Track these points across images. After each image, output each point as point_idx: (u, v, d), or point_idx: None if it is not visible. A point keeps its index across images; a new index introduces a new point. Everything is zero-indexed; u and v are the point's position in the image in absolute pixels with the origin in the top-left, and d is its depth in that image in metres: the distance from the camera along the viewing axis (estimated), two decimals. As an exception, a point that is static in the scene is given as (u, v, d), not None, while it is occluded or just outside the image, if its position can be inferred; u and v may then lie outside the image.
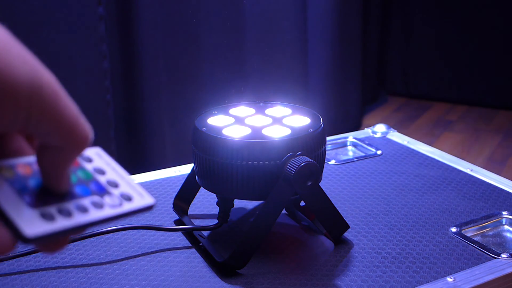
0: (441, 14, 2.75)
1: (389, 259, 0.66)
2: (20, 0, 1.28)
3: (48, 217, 0.28)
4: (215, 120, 0.68)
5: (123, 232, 0.72)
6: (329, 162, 0.93)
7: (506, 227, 0.75)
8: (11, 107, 0.27)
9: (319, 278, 0.63)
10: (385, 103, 2.86)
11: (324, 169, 0.69)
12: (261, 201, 0.72)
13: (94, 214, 0.30)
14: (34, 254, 0.67)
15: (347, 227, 0.69)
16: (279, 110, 0.72)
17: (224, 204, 0.68)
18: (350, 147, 1.02)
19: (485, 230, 0.74)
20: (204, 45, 1.74)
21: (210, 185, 0.66)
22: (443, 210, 0.78)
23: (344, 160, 0.95)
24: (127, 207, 0.31)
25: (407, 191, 0.84)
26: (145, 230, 0.73)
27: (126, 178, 0.33)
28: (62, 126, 0.28)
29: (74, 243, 0.70)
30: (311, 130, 0.65)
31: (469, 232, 0.73)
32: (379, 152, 0.98)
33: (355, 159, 0.95)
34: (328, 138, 0.90)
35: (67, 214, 0.29)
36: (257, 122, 0.68)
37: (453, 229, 0.72)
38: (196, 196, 0.76)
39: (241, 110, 0.72)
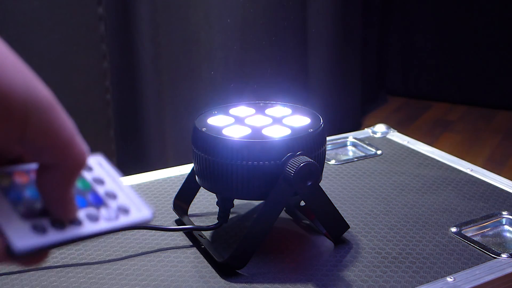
0: (441, 14, 2.75)
1: (389, 259, 0.66)
2: (20, 0, 1.28)
3: (40, 229, 0.28)
4: (215, 120, 0.68)
5: (123, 232, 0.72)
6: (329, 162, 0.93)
7: (506, 227, 0.75)
8: (5, 118, 0.26)
9: (319, 278, 0.63)
10: (385, 103, 2.86)
11: (324, 169, 0.69)
12: (261, 201, 0.72)
13: (88, 228, 0.29)
14: (34, 254, 0.67)
15: (347, 227, 0.69)
16: (279, 110, 0.72)
17: (224, 204, 0.68)
18: (350, 147, 1.02)
19: (485, 230, 0.74)
20: (204, 45, 1.74)
21: (210, 185, 0.66)
22: (443, 210, 0.78)
23: (344, 160, 0.95)
24: (123, 220, 0.31)
25: (407, 191, 0.84)
26: (145, 230, 0.73)
27: (125, 190, 0.32)
28: (57, 142, 0.27)
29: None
30: (311, 130, 0.65)
31: (469, 232, 0.73)
32: (379, 152, 0.98)
33: (355, 159, 0.95)
34: (328, 138, 0.90)
35: (60, 226, 0.29)
36: (257, 122, 0.68)
37: (453, 229, 0.72)
38: (196, 196, 0.76)
39: (241, 110, 0.72)
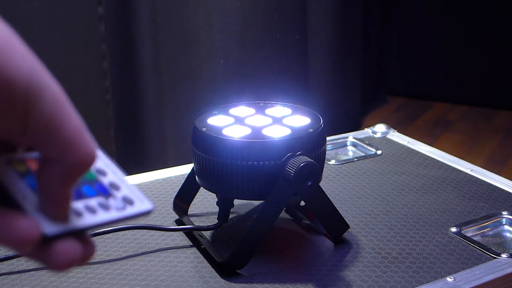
0: (441, 14, 2.75)
1: (389, 259, 0.66)
2: (20, 0, 1.28)
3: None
4: (215, 120, 0.68)
5: (123, 232, 0.72)
6: (329, 162, 0.93)
7: (506, 227, 0.75)
8: (6, 106, 0.25)
9: (319, 278, 0.63)
10: (385, 103, 2.86)
11: (324, 169, 0.69)
12: (261, 201, 0.72)
13: (102, 216, 0.30)
14: (34, 254, 0.67)
15: (347, 227, 0.69)
16: (279, 110, 0.72)
17: (224, 204, 0.68)
18: (350, 147, 1.02)
19: (485, 230, 0.74)
20: (204, 45, 1.74)
21: (210, 185, 0.66)
22: (443, 210, 0.78)
23: (344, 160, 0.95)
24: (130, 211, 0.31)
25: (407, 191, 0.84)
26: (145, 230, 0.73)
27: (125, 182, 0.33)
28: (61, 137, 0.26)
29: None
30: (311, 130, 0.65)
31: (469, 232, 0.73)
32: (379, 152, 0.98)
33: (355, 159, 0.95)
34: (328, 138, 0.90)
35: (78, 214, 0.29)
36: (257, 122, 0.68)
37: (453, 229, 0.72)
38: (196, 196, 0.76)
39: (241, 110, 0.72)
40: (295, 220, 0.76)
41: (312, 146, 0.64)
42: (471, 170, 0.90)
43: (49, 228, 0.27)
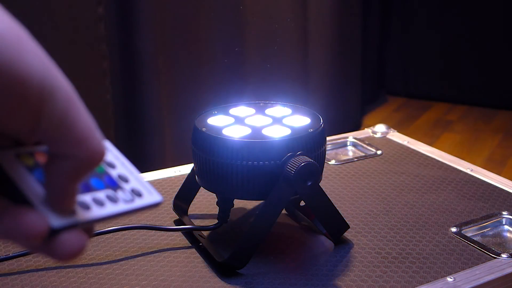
0: (441, 14, 2.75)
1: (389, 259, 0.66)
2: (20, 0, 1.28)
3: (69, 210, 0.28)
4: (215, 120, 0.68)
5: (123, 232, 0.72)
6: (329, 162, 0.93)
7: (506, 227, 0.75)
8: (19, 104, 0.25)
9: (319, 278, 0.63)
10: (385, 103, 2.86)
11: (324, 169, 0.69)
12: (261, 201, 0.72)
13: (110, 208, 0.30)
14: (34, 254, 0.67)
15: (347, 227, 0.69)
16: (279, 110, 0.72)
17: (224, 204, 0.68)
18: (350, 147, 1.02)
19: (485, 230, 0.74)
20: (204, 45, 1.74)
21: (210, 185, 0.66)
22: (443, 210, 0.78)
23: (344, 160, 0.95)
24: (138, 203, 0.31)
25: (407, 191, 0.84)
26: (145, 230, 0.73)
27: (135, 174, 0.33)
28: (73, 134, 0.27)
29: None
30: (311, 130, 0.65)
31: (469, 232, 0.73)
32: (379, 152, 0.98)
33: (355, 159, 0.95)
34: (328, 138, 0.90)
35: (86, 207, 0.29)
36: (257, 122, 0.68)
37: (453, 229, 0.72)
38: (196, 196, 0.76)
39: (241, 110, 0.72)
40: (295, 220, 0.76)
41: (312, 146, 0.64)
42: (471, 170, 0.90)
43: (56, 221, 0.27)
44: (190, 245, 0.70)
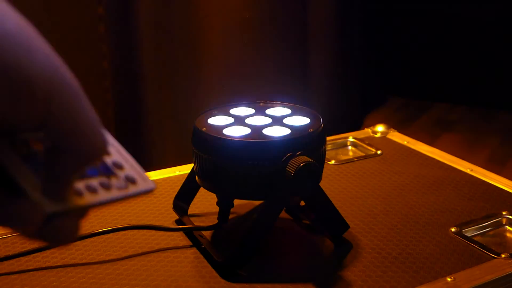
0: (441, 14, 2.75)
1: (389, 259, 0.66)
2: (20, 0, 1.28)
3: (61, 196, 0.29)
4: (215, 120, 0.68)
5: (123, 232, 0.72)
6: (329, 162, 0.93)
7: (506, 227, 0.75)
8: (28, 102, 0.26)
9: (319, 278, 0.63)
10: (385, 103, 2.86)
11: (324, 169, 0.69)
12: (261, 201, 0.72)
13: (103, 195, 0.30)
14: (34, 254, 0.67)
15: (347, 227, 0.69)
16: (279, 110, 0.72)
17: (224, 204, 0.68)
18: (350, 147, 1.02)
19: (485, 230, 0.74)
20: (204, 45, 1.74)
21: (210, 185, 0.66)
22: (443, 210, 0.78)
23: (344, 160, 0.95)
24: (132, 189, 0.32)
25: (407, 191, 0.84)
26: (145, 230, 0.72)
27: (130, 161, 0.33)
28: (78, 130, 0.28)
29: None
30: (311, 130, 0.65)
31: (469, 232, 0.73)
32: (379, 152, 0.98)
33: (355, 159, 0.95)
34: (328, 138, 0.90)
35: (78, 193, 0.30)
36: (257, 122, 0.68)
37: (453, 229, 0.72)
38: (196, 196, 0.76)
39: (241, 110, 0.72)
40: (295, 220, 0.76)
41: (312, 146, 0.64)
42: (471, 170, 0.90)
43: (50, 207, 0.28)
44: (190, 245, 0.70)
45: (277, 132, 0.65)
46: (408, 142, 1.02)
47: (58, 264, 0.66)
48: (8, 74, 0.25)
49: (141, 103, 1.60)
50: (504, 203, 0.79)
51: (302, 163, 0.60)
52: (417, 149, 0.99)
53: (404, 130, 1.09)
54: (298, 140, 0.63)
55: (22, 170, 0.28)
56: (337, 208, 0.68)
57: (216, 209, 0.69)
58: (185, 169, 0.91)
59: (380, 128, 1.06)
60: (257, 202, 0.79)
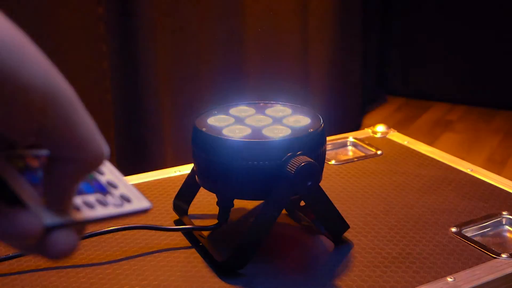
0: (441, 14, 2.75)
1: (389, 259, 0.66)
2: (20, 0, 1.28)
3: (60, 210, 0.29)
4: (215, 120, 0.68)
5: (123, 232, 0.72)
6: (329, 162, 0.93)
7: (506, 227, 0.75)
8: (24, 112, 0.25)
9: (319, 278, 0.63)
10: (385, 103, 2.86)
11: (324, 169, 0.69)
12: (261, 201, 0.72)
13: (100, 211, 0.30)
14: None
15: (347, 227, 0.69)
16: (279, 110, 0.72)
17: (224, 204, 0.68)
18: (350, 147, 1.02)
19: (485, 230, 0.74)
20: (204, 45, 1.74)
21: (210, 185, 0.66)
22: (443, 210, 0.78)
23: (344, 160, 0.95)
24: (128, 207, 0.32)
25: (407, 191, 0.84)
26: (145, 230, 0.72)
27: (123, 181, 0.33)
28: (75, 137, 0.27)
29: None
30: (311, 130, 0.65)
31: (469, 232, 0.73)
32: (379, 152, 0.98)
33: (355, 159, 0.95)
34: (328, 138, 0.90)
35: (76, 208, 0.30)
36: (257, 122, 0.68)
37: (453, 229, 0.72)
38: (196, 196, 0.76)
39: (241, 110, 0.72)
40: (295, 220, 0.76)
41: (312, 146, 0.64)
42: (471, 170, 0.90)
43: (50, 219, 0.28)
44: (190, 245, 0.70)
45: (277, 132, 0.65)
46: (408, 142, 1.02)
47: (58, 264, 0.66)
48: (1, 83, 0.24)
49: (141, 103, 1.60)
50: (504, 203, 0.79)
51: (302, 163, 0.60)
52: (417, 149, 0.99)
53: (404, 130, 1.09)
54: (298, 140, 0.63)
55: (20, 182, 0.28)
56: (337, 208, 0.68)
57: (216, 209, 0.69)
58: (185, 169, 0.91)
59: (380, 128, 1.06)
60: (257, 202, 0.79)
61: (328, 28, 2.19)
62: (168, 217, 0.77)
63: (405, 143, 1.02)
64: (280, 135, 0.64)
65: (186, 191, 0.76)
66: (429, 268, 0.64)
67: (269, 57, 1.97)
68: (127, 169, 1.38)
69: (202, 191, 0.75)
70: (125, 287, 0.62)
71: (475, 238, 0.71)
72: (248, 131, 0.66)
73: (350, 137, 1.03)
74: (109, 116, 1.52)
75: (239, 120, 0.69)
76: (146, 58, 1.58)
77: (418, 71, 2.87)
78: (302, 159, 0.60)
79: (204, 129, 0.65)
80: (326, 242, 0.70)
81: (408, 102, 2.85)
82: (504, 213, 0.76)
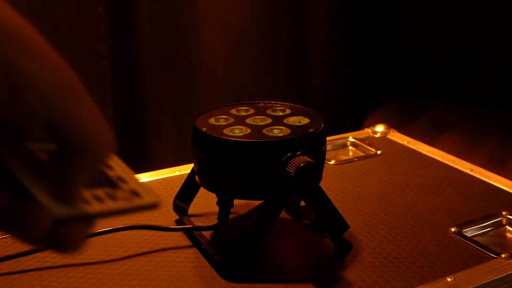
0: (441, 14, 2.75)
1: (389, 259, 0.66)
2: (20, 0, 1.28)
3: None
4: (215, 120, 0.68)
5: (123, 232, 0.72)
6: (329, 162, 0.93)
7: (506, 227, 0.75)
8: (29, 98, 0.26)
9: (319, 278, 0.63)
10: (385, 103, 2.86)
11: (324, 169, 0.69)
12: (261, 201, 0.72)
13: (110, 205, 0.30)
14: (34, 254, 0.67)
15: (347, 227, 0.69)
16: (279, 110, 0.72)
17: (224, 204, 0.68)
18: (350, 147, 1.02)
19: (485, 230, 0.74)
20: (204, 45, 1.74)
21: (210, 185, 0.66)
22: (443, 210, 0.78)
23: (344, 160, 0.95)
24: (138, 202, 0.31)
25: (407, 191, 0.84)
26: (145, 230, 0.72)
27: (132, 176, 0.33)
28: (82, 126, 0.27)
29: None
30: (311, 130, 0.65)
31: (469, 232, 0.72)
32: (379, 152, 0.98)
33: (355, 159, 0.95)
34: (328, 138, 0.90)
35: (86, 201, 0.30)
36: (257, 122, 0.68)
37: (453, 229, 0.72)
38: (196, 196, 0.76)
39: (241, 110, 0.72)
40: (295, 220, 0.76)
41: (312, 146, 0.64)
42: (471, 170, 0.90)
43: (59, 211, 0.28)
44: (190, 245, 0.70)
45: (277, 132, 0.65)
46: (408, 142, 1.02)
47: (58, 264, 0.66)
48: (7, 71, 0.25)
49: (141, 103, 1.60)
50: (504, 203, 0.79)
51: (302, 163, 0.60)
52: (417, 149, 0.99)
53: (404, 130, 1.09)
54: (298, 140, 0.63)
55: (29, 175, 0.28)
56: (337, 208, 0.68)
57: (216, 209, 0.69)
58: (185, 169, 0.91)
59: (380, 128, 1.06)
60: (257, 202, 0.79)
61: (328, 28, 2.19)
62: (169, 217, 0.77)
63: (405, 143, 1.02)
64: (280, 135, 0.64)
65: (186, 191, 0.76)
66: (429, 268, 0.64)
67: (269, 57, 1.97)
68: (127, 169, 1.38)
69: (202, 191, 0.75)
70: (125, 287, 0.62)
71: (475, 238, 0.71)
72: (248, 131, 0.66)
73: (350, 137, 1.03)
74: (109, 116, 1.52)
75: (239, 120, 0.69)
76: (146, 58, 1.58)
77: (418, 71, 2.87)
78: (302, 159, 0.60)
79: (204, 129, 0.65)
80: (326, 242, 0.70)
81: (408, 102, 2.85)
82: (504, 213, 0.76)
